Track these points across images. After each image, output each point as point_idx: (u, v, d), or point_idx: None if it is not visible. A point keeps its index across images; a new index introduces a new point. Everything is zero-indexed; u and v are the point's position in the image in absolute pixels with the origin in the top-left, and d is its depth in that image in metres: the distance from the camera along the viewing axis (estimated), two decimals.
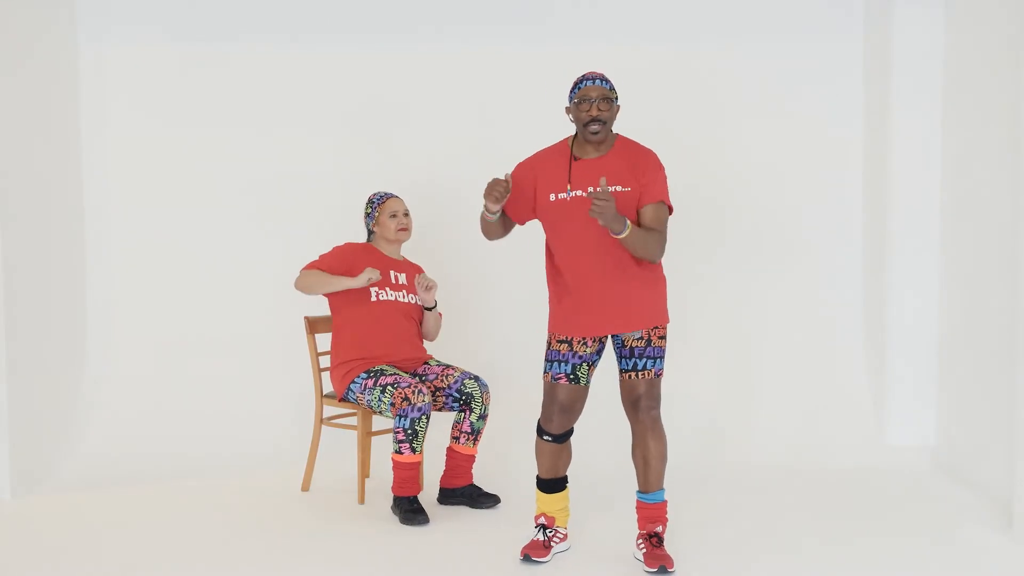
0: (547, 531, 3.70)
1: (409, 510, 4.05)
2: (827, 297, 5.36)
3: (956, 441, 4.76)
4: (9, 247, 4.39)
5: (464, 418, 4.27)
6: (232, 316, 5.28)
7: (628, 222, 3.41)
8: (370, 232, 4.46)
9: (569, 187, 3.53)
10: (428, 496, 4.35)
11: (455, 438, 4.29)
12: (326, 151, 5.31)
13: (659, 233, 3.52)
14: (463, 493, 4.29)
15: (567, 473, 3.76)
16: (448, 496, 4.31)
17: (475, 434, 4.28)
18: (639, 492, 3.63)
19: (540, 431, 3.70)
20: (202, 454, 4.91)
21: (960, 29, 4.73)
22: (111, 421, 5.04)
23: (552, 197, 3.57)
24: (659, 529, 3.60)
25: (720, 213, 5.36)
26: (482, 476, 4.51)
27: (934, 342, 4.97)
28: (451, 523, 4.06)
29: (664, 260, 3.68)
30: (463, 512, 4.21)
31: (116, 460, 4.84)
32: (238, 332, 5.27)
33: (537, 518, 3.73)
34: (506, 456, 4.85)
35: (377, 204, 4.41)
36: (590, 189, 3.50)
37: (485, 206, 3.58)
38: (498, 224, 3.68)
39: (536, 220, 3.71)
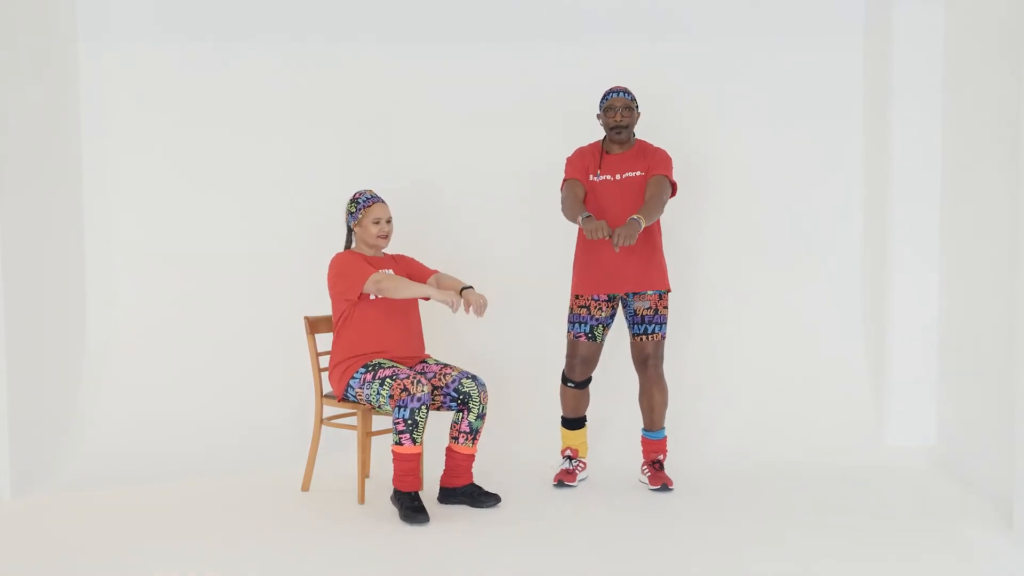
0: (572, 461, 4.59)
1: (411, 508, 4.05)
2: (827, 297, 5.37)
3: (956, 441, 4.76)
4: (9, 248, 4.39)
5: (462, 418, 4.27)
6: (232, 316, 5.28)
7: (641, 221, 4.14)
8: (350, 230, 4.41)
9: (599, 172, 4.42)
10: (428, 495, 4.35)
11: (454, 438, 4.29)
12: (327, 151, 5.31)
13: (658, 200, 4.31)
14: (463, 492, 4.29)
15: (586, 414, 4.64)
16: (448, 495, 4.31)
17: (474, 434, 4.28)
18: (644, 430, 4.54)
19: (564, 379, 4.55)
20: (202, 454, 4.91)
21: (960, 29, 4.73)
22: (111, 421, 5.04)
23: (591, 179, 4.43)
24: (660, 457, 4.50)
25: (720, 213, 5.37)
26: (482, 475, 4.51)
27: (934, 342, 4.97)
28: (451, 523, 4.06)
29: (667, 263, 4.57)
30: (463, 511, 4.21)
31: (116, 460, 4.84)
32: (238, 332, 5.27)
33: (563, 451, 4.63)
34: (506, 455, 4.86)
35: (363, 206, 4.35)
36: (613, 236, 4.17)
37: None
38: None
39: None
